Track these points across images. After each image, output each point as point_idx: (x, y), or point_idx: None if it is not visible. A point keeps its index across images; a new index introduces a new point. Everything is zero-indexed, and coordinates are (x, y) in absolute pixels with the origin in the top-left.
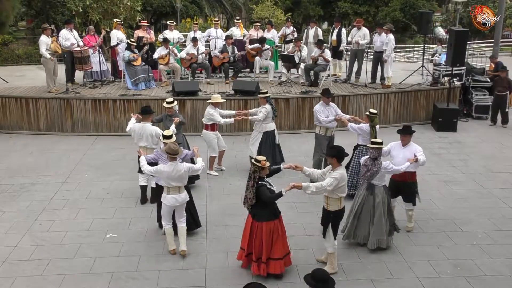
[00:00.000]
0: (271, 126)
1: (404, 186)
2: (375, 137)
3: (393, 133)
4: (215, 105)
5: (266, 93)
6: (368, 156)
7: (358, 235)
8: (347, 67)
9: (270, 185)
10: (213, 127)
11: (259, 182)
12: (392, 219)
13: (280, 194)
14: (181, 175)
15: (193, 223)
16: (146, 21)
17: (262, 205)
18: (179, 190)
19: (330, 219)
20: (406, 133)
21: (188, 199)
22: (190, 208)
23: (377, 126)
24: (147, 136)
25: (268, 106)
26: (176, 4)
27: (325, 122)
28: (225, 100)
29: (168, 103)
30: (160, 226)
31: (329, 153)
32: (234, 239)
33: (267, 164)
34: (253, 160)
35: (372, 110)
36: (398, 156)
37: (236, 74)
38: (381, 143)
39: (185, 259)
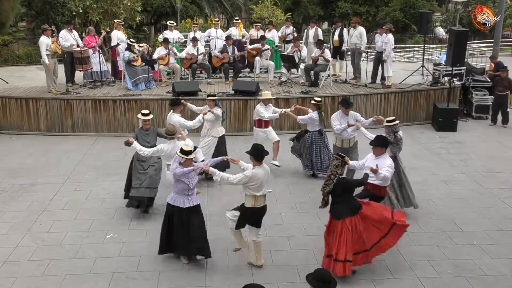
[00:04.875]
0: (223, 130)
1: (375, 199)
2: (324, 120)
3: None
4: (266, 102)
5: (215, 96)
6: (387, 133)
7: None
8: (347, 67)
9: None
10: (260, 123)
11: (340, 176)
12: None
13: (366, 176)
14: None
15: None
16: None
17: (341, 201)
18: None
19: (241, 210)
20: (377, 145)
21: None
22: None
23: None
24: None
25: (219, 109)
26: (176, 5)
27: (338, 131)
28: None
29: (144, 115)
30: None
31: (249, 151)
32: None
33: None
34: (336, 155)
35: (316, 98)
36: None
37: (236, 75)
38: (394, 120)
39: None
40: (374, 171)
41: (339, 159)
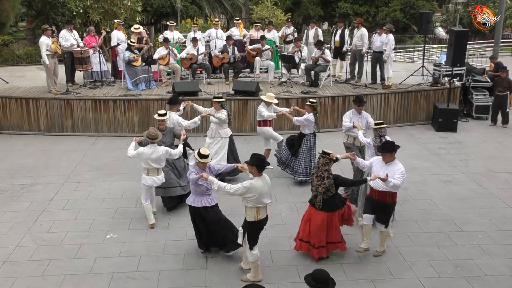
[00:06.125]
0: (230, 131)
1: (381, 206)
2: (319, 123)
3: (393, 133)
4: (268, 103)
5: (221, 97)
6: (374, 136)
7: None
8: (347, 67)
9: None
10: (265, 122)
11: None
12: None
13: (365, 180)
14: (159, 157)
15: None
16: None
17: (333, 196)
18: (157, 172)
19: (247, 229)
20: (385, 151)
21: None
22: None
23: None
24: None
25: (224, 113)
26: (176, 5)
27: (344, 128)
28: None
29: (160, 115)
30: (203, 251)
31: (250, 161)
32: None
33: (335, 156)
34: (321, 153)
35: (312, 100)
36: (378, 173)
37: (236, 75)
38: (382, 123)
39: (185, 260)
40: (383, 180)
41: (325, 158)
